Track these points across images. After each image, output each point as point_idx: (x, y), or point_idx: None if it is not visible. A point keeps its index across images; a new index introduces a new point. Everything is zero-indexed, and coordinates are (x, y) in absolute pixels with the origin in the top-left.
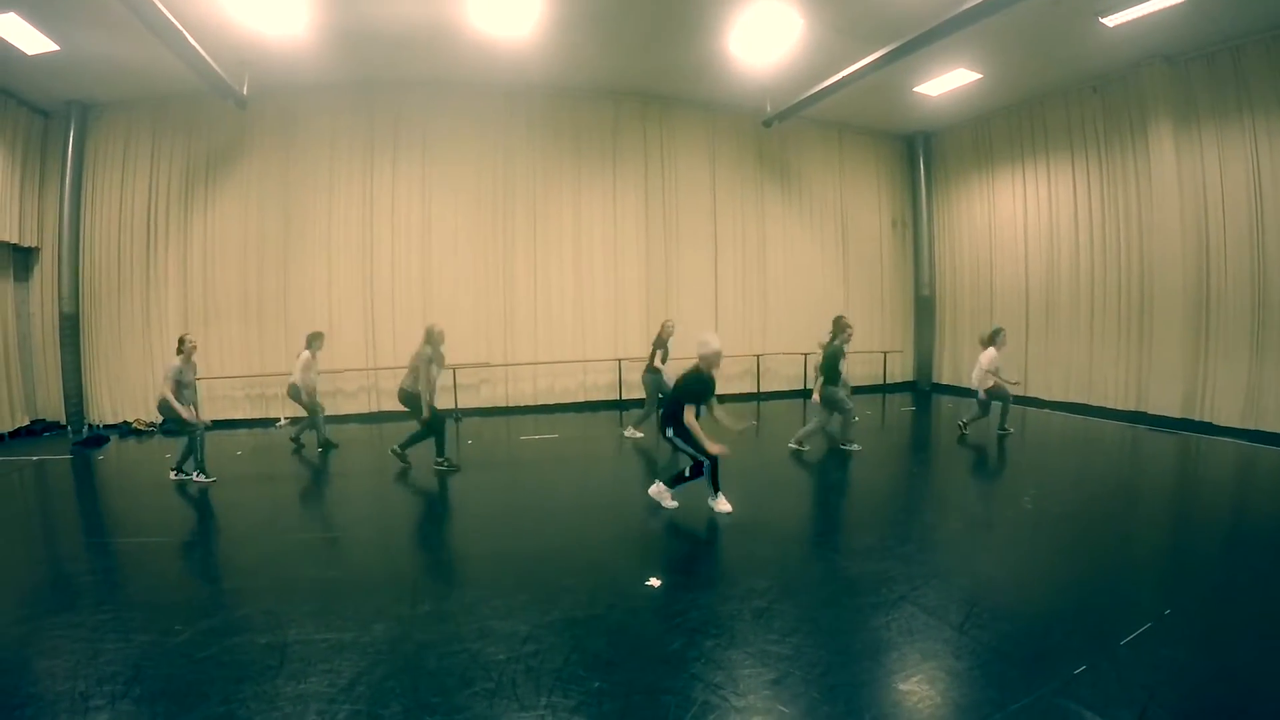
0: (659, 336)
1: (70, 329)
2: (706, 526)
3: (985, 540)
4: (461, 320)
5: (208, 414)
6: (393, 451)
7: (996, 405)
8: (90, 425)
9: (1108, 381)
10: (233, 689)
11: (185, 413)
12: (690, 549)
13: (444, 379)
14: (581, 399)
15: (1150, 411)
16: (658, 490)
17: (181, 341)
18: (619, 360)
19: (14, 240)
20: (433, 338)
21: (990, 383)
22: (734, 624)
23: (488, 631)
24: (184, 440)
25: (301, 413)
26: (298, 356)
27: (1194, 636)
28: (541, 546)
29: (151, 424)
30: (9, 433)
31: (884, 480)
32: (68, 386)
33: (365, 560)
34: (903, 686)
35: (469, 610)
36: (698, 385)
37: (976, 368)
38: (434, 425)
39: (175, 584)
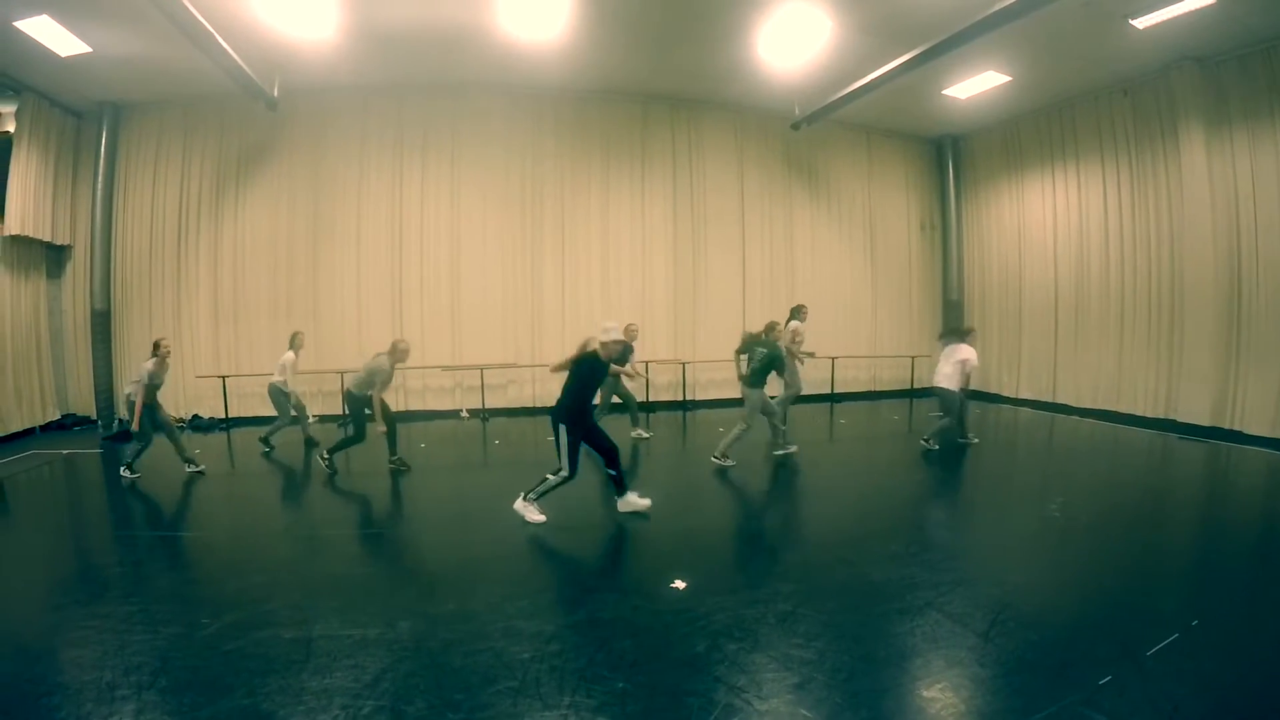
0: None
1: (101, 326)
2: (731, 529)
3: (1012, 548)
4: (489, 321)
5: (236, 410)
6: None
7: (943, 415)
8: (120, 420)
9: (1137, 388)
10: (258, 682)
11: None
12: (715, 552)
13: (471, 378)
14: None
15: (1179, 419)
16: (623, 503)
17: (157, 345)
18: (646, 363)
19: (47, 238)
20: (396, 353)
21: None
22: (758, 628)
23: (512, 630)
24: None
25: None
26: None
27: (1221, 649)
28: (567, 547)
29: (181, 420)
30: (40, 426)
31: (910, 486)
32: (98, 382)
33: (391, 557)
34: (926, 694)
35: (494, 609)
36: (593, 370)
37: (958, 365)
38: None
39: (202, 578)
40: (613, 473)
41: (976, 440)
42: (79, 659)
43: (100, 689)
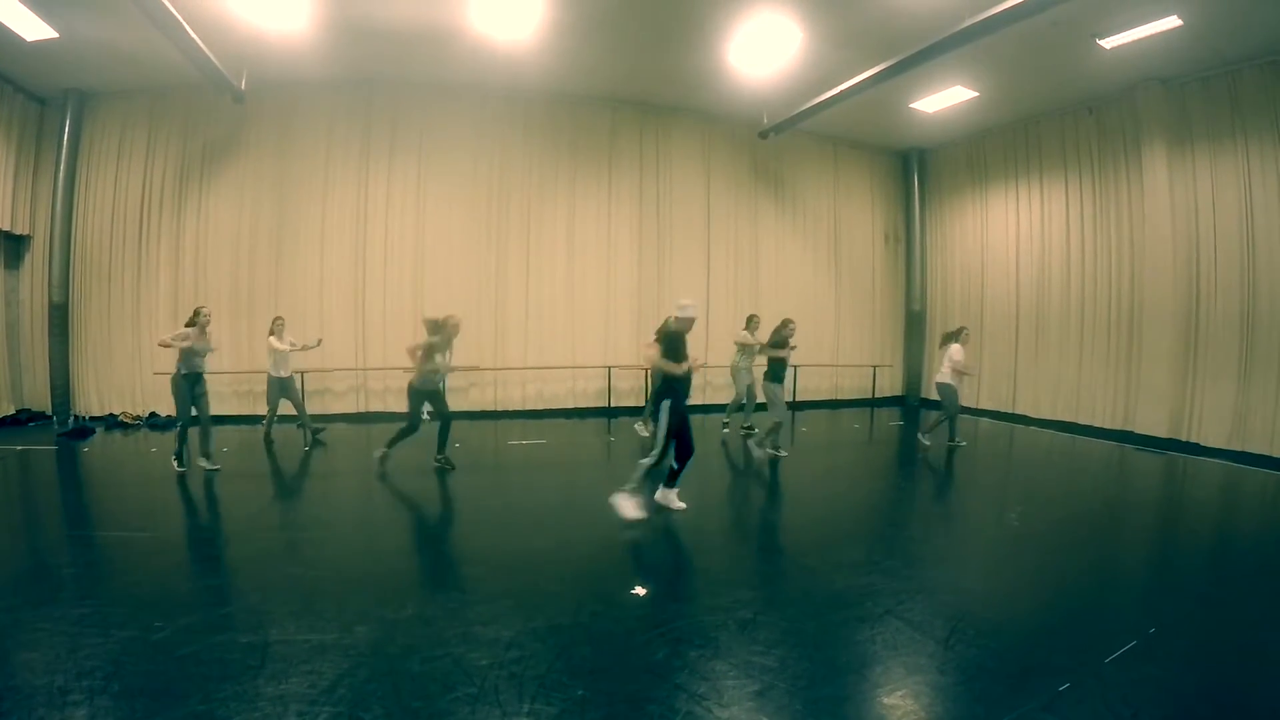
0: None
1: (59, 319)
2: (693, 536)
3: (971, 556)
4: None
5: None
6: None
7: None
8: (76, 416)
9: (1096, 400)
10: (213, 688)
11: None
12: (676, 558)
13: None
14: (570, 405)
15: (1137, 431)
16: (663, 495)
17: (197, 314)
18: (609, 368)
19: (6, 227)
20: (447, 329)
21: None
22: (719, 635)
23: (471, 636)
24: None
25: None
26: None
27: (1178, 655)
28: (527, 552)
29: (138, 417)
30: None
31: (870, 494)
32: (55, 377)
33: (349, 561)
34: (887, 700)
35: (453, 615)
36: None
37: (949, 362)
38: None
39: (157, 579)
40: (675, 466)
41: (964, 444)
42: (30, 662)
43: (51, 693)
